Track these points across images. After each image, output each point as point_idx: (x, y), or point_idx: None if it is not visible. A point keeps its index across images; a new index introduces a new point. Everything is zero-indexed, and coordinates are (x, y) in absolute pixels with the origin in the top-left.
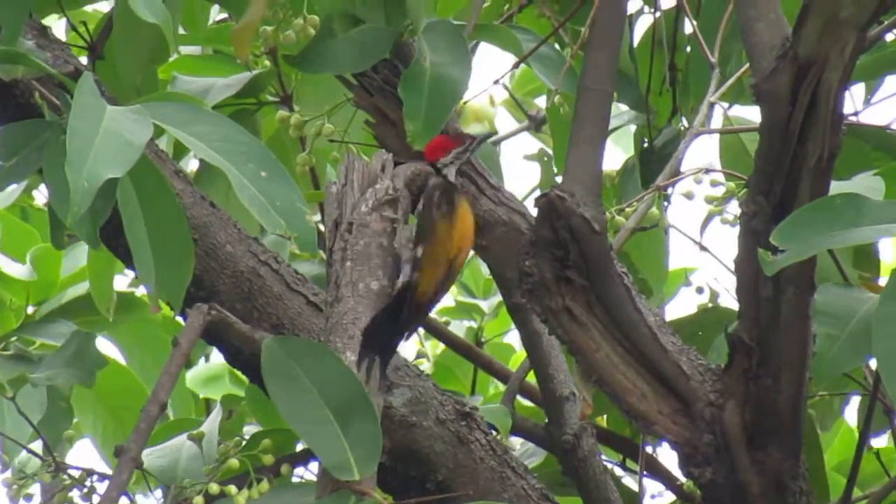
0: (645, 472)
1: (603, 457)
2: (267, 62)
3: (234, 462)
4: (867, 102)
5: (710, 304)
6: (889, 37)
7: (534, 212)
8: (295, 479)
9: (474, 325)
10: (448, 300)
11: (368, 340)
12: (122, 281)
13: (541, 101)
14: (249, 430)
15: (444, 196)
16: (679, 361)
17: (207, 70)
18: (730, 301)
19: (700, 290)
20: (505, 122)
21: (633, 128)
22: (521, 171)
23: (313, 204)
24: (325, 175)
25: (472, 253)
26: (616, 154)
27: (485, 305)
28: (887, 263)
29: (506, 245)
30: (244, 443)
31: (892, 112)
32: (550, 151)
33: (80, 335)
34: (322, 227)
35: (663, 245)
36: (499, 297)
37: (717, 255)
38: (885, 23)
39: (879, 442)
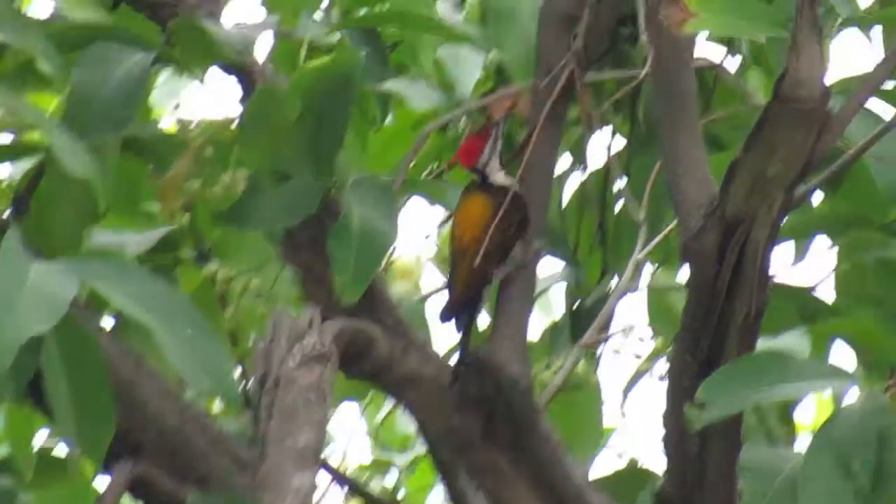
0: None
1: None
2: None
3: None
4: (794, 262)
5: (631, 463)
6: (815, 197)
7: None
8: None
9: (391, 481)
10: (364, 457)
11: None
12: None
13: None
14: None
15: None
16: None
17: (121, 224)
18: (651, 460)
19: (620, 455)
20: (433, 278)
21: (562, 286)
22: (449, 328)
23: (238, 360)
24: (249, 331)
25: None
26: (545, 312)
27: (402, 460)
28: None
29: (433, 401)
30: None
31: (818, 272)
32: None
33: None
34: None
35: (592, 402)
36: (416, 452)
37: (644, 411)
38: (812, 182)
39: None
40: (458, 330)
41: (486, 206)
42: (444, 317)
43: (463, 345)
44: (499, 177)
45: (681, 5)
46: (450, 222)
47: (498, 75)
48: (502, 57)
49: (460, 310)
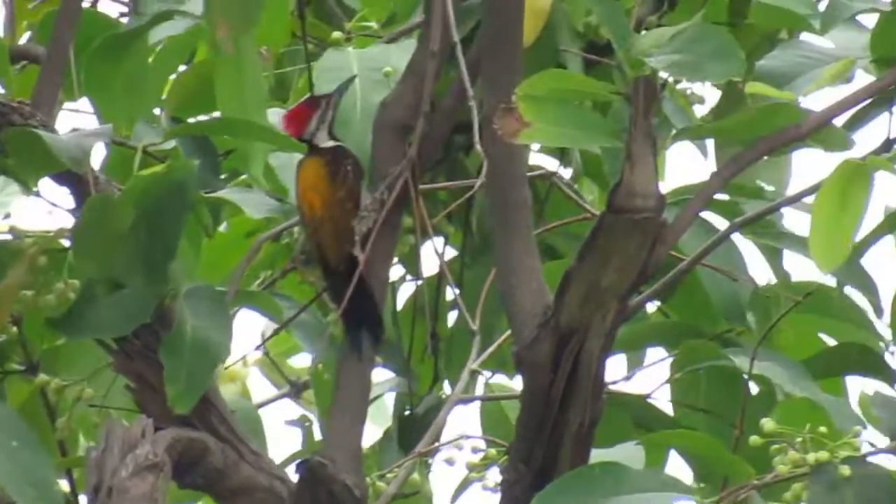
0: None
1: None
2: (13, 329)
3: None
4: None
5: None
6: (650, 307)
7: (295, 478)
8: None
9: None
10: None
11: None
12: None
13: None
14: None
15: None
16: None
17: None
18: None
19: None
20: (261, 384)
21: (393, 394)
22: (281, 436)
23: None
24: (78, 441)
25: None
26: (378, 420)
27: None
28: None
29: None
30: None
31: (653, 382)
32: (312, 417)
33: None
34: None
35: None
36: None
37: None
38: (646, 292)
39: None
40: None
41: (319, 165)
42: (331, 285)
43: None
44: (327, 144)
45: (515, 115)
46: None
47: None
48: None
49: (342, 275)
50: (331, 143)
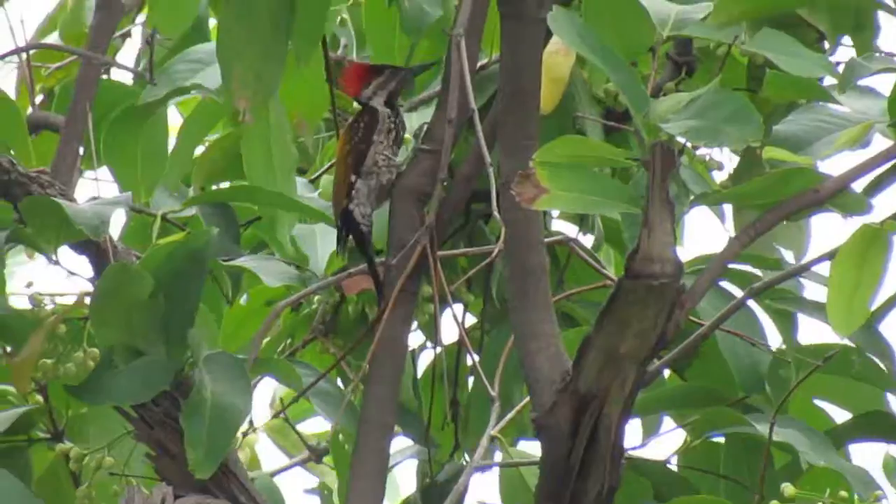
0: None
1: None
2: (39, 397)
3: None
4: (646, 438)
5: None
6: (666, 371)
7: None
8: None
9: None
10: None
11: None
12: None
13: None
14: None
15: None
16: None
17: None
18: None
19: None
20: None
21: (414, 462)
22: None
23: None
24: None
25: None
26: (395, 489)
27: None
28: None
29: None
30: None
31: (670, 447)
32: (331, 485)
33: None
34: None
35: None
36: None
37: None
38: (665, 357)
39: None
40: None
41: (349, 122)
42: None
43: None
44: (377, 104)
45: (533, 181)
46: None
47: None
48: None
49: (343, 215)
50: (380, 107)
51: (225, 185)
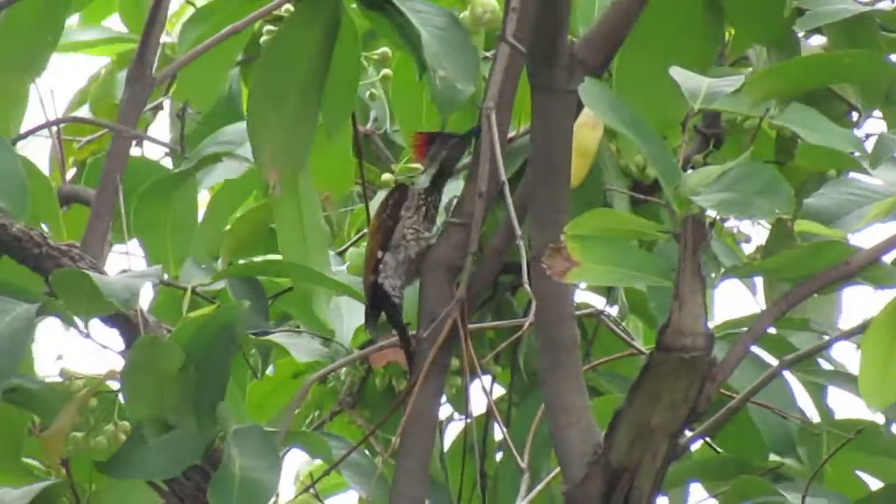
0: None
1: None
2: (62, 470)
3: None
4: None
5: None
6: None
7: None
8: None
9: None
10: None
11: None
12: None
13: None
14: None
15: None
16: None
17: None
18: None
19: None
20: None
21: None
22: None
23: None
24: None
25: None
26: None
27: None
28: None
29: None
30: None
31: None
32: None
33: None
34: None
35: None
36: None
37: None
38: (696, 430)
39: None
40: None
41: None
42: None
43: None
44: (420, 179)
45: (564, 254)
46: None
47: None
48: None
49: (372, 288)
50: (420, 183)
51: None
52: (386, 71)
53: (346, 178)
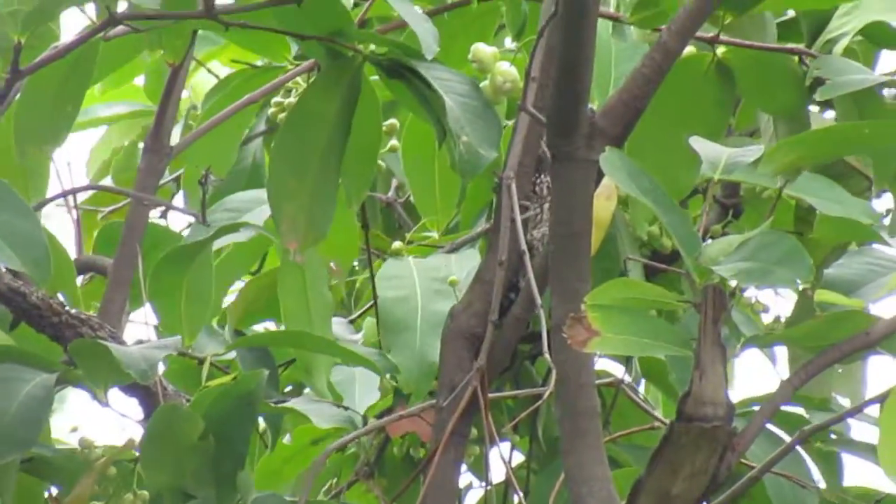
0: None
1: None
2: None
3: None
4: None
5: None
6: None
7: None
8: None
9: None
10: None
11: None
12: None
13: None
14: None
15: None
16: None
17: None
18: None
19: None
20: None
21: None
22: None
23: None
24: None
25: None
26: None
27: None
28: None
29: None
30: None
31: None
32: None
33: None
34: None
35: None
36: None
37: None
38: (715, 501)
39: None
40: None
41: None
42: None
43: None
44: None
45: (584, 324)
46: None
47: (397, 392)
48: (398, 374)
49: None
50: None
51: (260, 326)
52: (393, 142)
53: (352, 246)
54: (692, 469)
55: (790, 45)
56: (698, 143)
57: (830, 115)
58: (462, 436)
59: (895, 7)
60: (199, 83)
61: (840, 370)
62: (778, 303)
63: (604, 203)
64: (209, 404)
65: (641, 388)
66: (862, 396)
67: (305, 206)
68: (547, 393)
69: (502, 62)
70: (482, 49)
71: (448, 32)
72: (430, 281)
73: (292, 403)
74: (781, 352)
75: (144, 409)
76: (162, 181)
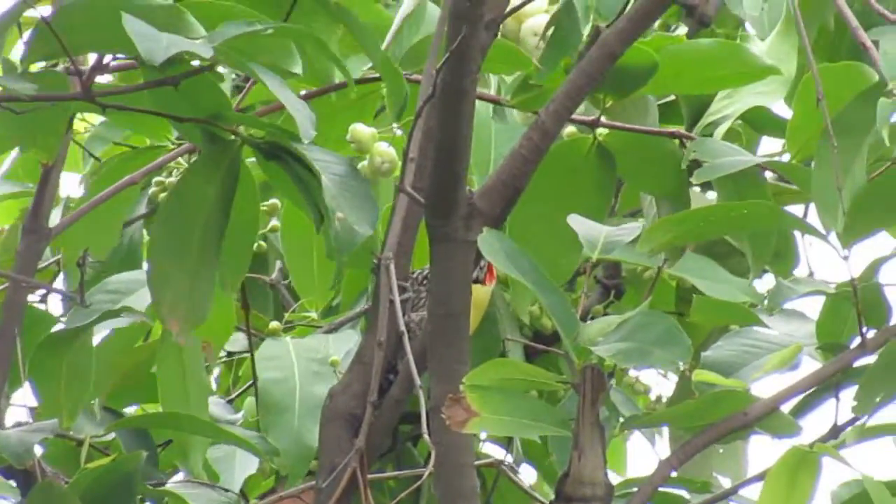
0: None
1: None
2: None
3: None
4: None
5: None
6: None
7: None
8: None
9: None
10: None
11: None
12: None
13: None
14: None
15: None
16: None
17: None
18: None
19: None
20: None
21: None
22: None
23: None
24: None
25: None
26: None
27: None
28: None
29: None
30: None
31: None
32: None
33: None
34: None
35: None
36: None
37: None
38: None
39: None
40: None
41: None
42: None
43: None
44: None
45: (463, 404)
46: None
47: (278, 474)
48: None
49: None
50: None
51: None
52: (274, 223)
53: (227, 328)
54: None
55: (670, 129)
56: (577, 223)
57: (714, 195)
58: None
59: (774, 91)
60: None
61: (721, 450)
62: (660, 383)
63: (483, 285)
64: (88, 485)
65: (523, 470)
66: (744, 476)
67: (185, 290)
68: (426, 473)
69: (381, 142)
70: (360, 129)
71: (329, 112)
72: (308, 362)
73: (172, 486)
74: (664, 433)
75: (23, 492)
76: (44, 263)
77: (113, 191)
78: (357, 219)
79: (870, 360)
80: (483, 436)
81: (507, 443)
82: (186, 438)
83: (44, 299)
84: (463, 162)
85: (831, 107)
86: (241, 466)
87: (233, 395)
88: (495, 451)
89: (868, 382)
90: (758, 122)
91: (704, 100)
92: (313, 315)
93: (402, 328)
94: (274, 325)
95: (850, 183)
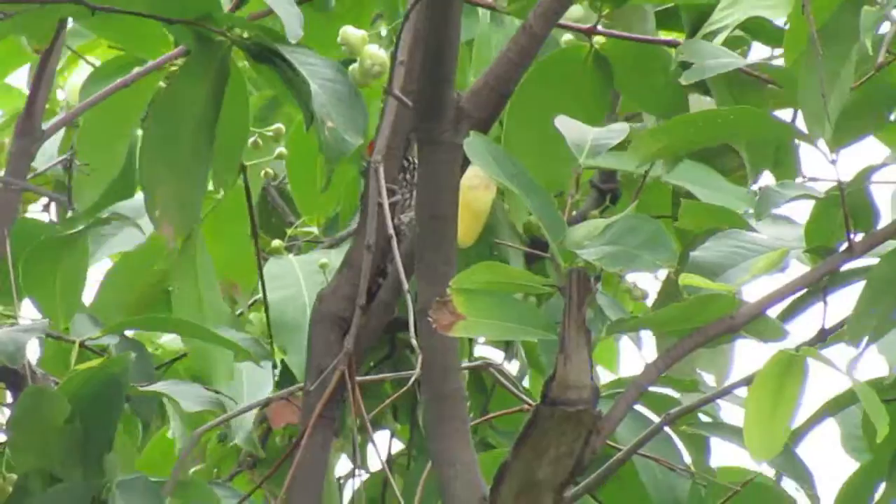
0: None
1: None
2: None
3: None
4: None
5: None
6: None
7: None
8: None
9: None
10: None
11: None
12: None
13: None
14: None
15: None
16: None
17: None
18: None
19: None
20: None
21: None
22: None
23: None
24: None
25: None
26: None
27: None
28: None
29: None
30: None
31: None
32: None
33: None
34: None
35: None
36: None
37: None
38: (582, 483)
39: None
40: None
41: None
42: None
43: None
44: None
45: (450, 308)
46: None
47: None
48: (288, 363)
49: None
50: None
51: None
52: (281, 149)
53: (253, 267)
54: (557, 453)
55: (668, 38)
56: (564, 124)
57: None
58: (330, 419)
59: (778, 4)
60: (76, 85)
61: (705, 350)
62: (657, 288)
63: (481, 194)
64: (76, 387)
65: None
66: (728, 373)
67: (177, 191)
68: (414, 377)
69: (371, 45)
70: (351, 32)
71: (324, 17)
72: (314, 275)
73: (160, 387)
74: (649, 335)
75: (13, 394)
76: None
77: (106, 93)
78: (347, 127)
79: (857, 263)
80: (481, 340)
81: (504, 347)
82: (208, 351)
83: (46, 208)
84: (451, 65)
85: (823, 15)
86: (251, 386)
87: (239, 311)
88: (498, 356)
89: (859, 309)
90: (756, 32)
91: (705, 9)
92: (315, 230)
93: (391, 231)
94: (276, 243)
95: (838, 90)
